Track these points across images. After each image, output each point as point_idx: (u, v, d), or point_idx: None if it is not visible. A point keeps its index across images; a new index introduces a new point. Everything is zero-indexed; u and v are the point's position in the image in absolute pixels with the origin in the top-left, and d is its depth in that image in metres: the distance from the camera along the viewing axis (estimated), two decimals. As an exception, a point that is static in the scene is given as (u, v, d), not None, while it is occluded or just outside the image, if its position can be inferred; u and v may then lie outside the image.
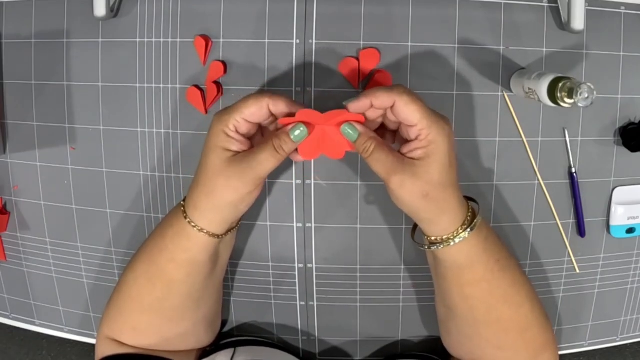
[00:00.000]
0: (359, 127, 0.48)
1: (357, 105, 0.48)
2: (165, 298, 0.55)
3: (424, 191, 0.46)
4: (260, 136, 0.53)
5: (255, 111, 0.47)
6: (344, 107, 0.48)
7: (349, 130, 0.48)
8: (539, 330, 0.54)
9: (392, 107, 0.47)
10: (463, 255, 0.50)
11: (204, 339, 0.62)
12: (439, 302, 0.58)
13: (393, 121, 0.50)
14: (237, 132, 0.48)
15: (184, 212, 0.51)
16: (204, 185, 0.49)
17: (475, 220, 0.49)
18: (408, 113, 0.46)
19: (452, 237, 0.48)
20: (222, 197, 0.49)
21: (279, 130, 0.49)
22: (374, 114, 0.49)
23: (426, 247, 0.51)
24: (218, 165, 0.48)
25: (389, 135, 0.53)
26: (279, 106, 0.48)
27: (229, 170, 0.48)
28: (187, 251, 0.52)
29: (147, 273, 0.54)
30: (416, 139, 0.47)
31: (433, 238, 0.50)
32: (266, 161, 0.48)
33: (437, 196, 0.47)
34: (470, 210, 0.50)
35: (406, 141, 0.49)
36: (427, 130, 0.46)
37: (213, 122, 0.49)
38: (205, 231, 0.51)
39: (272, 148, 0.48)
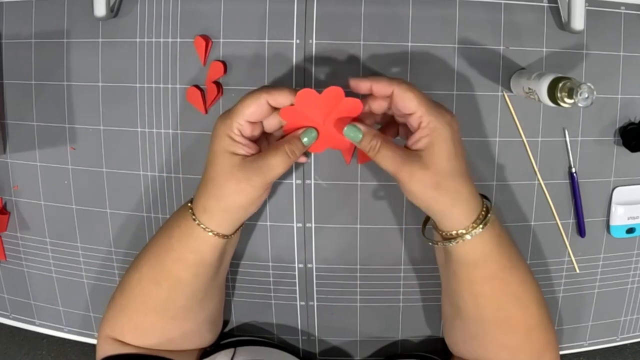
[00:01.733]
0: (362, 127, 0.48)
1: (357, 84, 0.48)
2: (171, 298, 0.55)
3: (434, 181, 0.46)
4: (265, 142, 0.53)
5: (255, 109, 0.47)
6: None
7: (351, 134, 0.48)
8: (544, 330, 0.54)
9: (392, 97, 0.47)
10: (477, 252, 0.49)
11: (206, 338, 0.62)
12: (445, 299, 0.58)
13: (399, 115, 0.50)
14: (241, 135, 0.48)
15: (193, 214, 0.51)
16: (213, 189, 0.49)
17: (489, 215, 0.49)
18: (406, 100, 0.46)
19: (466, 232, 0.48)
20: (232, 201, 0.49)
21: (287, 135, 0.50)
22: (378, 107, 0.49)
23: (438, 244, 0.51)
24: (227, 170, 0.48)
25: (392, 129, 0.53)
26: (278, 99, 0.47)
27: (238, 174, 0.48)
28: (196, 252, 0.52)
29: (152, 274, 0.54)
30: (418, 127, 0.47)
31: (446, 233, 0.49)
32: (278, 166, 0.48)
33: (447, 186, 0.46)
34: (484, 205, 0.50)
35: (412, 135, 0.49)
36: (427, 117, 0.46)
37: (216, 126, 0.49)
38: (214, 232, 0.51)
39: (284, 153, 0.48)
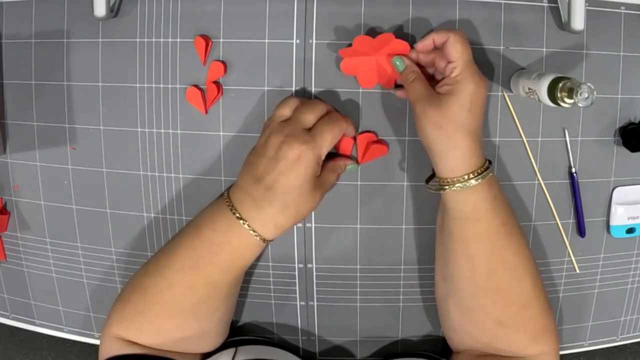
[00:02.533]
0: (406, 60, 0.55)
1: (424, 44, 0.54)
2: (204, 300, 0.55)
3: (438, 121, 0.50)
4: None
5: (338, 135, 0.55)
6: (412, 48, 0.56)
7: (398, 62, 0.55)
8: (540, 312, 0.55)
9: (444, 43, 0.52)
10: (469, 204, 0.52)
11: (220, 338, 0.62)
12: (439, 276, 0.59)
13: (440, 71, 0.55)
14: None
15: (254, 231, 0.53)
16: (295, 209, 0.53)
17: (486, 172, 0.51)
18: (452, 49, 0.51)
19: (460, 181, 0.51)
20: (305, 215, 0.55)
21: (339, 158, 0.60)
22: (424, 58, 0.56)
23: (434, 190, 0.54)
24: (310, 190, 0.53)
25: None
26: (349, 132, 0.59)
27: (315, 192, 0.54)
28: (245, 259, 0.55)
29: (187, 281, 0.54)
30: (449, 75, 0.51)
31: (443, 179, 0.52)
32: (334, 180, 0.59)
33: (448, 129, 0.50)
34: (486, 164, 0.52)
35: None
36: (459, 70, 0.51)
37: (304, 155, 0.52)
38: (267, 240, 0.54)
39: (337, 174, 0.59)
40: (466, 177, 0.51)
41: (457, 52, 0.51)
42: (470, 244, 0.53)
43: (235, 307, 0.63)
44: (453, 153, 0.51)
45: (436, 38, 0.53)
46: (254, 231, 0.53)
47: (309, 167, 0.52)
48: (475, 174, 0.51)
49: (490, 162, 0.53)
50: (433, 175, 0.58)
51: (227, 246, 0.54)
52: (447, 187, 0.51)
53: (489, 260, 0.53)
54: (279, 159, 0.51)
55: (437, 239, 0.59)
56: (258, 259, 0.65)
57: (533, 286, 0.54)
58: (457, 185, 0.51)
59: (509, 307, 0.54)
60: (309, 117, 0.54)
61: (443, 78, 0.53)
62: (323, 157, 0.54)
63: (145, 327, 0.57)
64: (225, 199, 0.55)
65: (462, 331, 0.57)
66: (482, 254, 0.53)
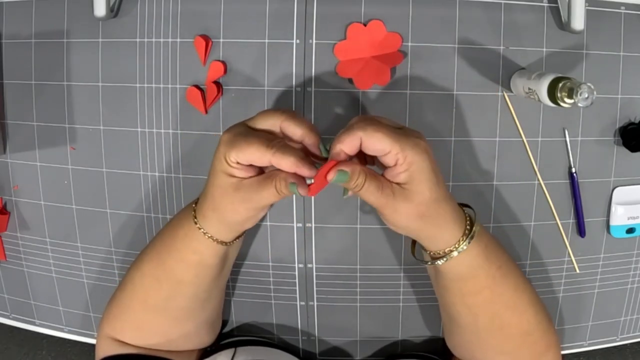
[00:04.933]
0: (346, 168, 0.45)
1: (335, 153, 0.46)
2: (172, 298, 0.55)
3: (419, 212, 0.46)
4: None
5: (255, 160, 0.46)
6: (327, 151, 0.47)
7: (340, 177, 0.46)
8: (542, 333, 0.54)
9: (362, 143, 0.45)
10: (465, 266, 0.49)
11: (206, 339, 0.62)
12: (441, 308, 0.58)
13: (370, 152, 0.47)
14: (238, 163, 0.47)
15: (195, 217, 0.51)
16: (211, 200, 0.49)
17: (473, 229, 0.49)
18: (376, 143, 0.44)
19: (453, 250, 0.48)
20: (227, 216, 0.49)
21: (281, 173, 0.47)
22: (349, 150, 0.46)
23: (429, 263, 0.51)
24: (223, 188, 0.48)
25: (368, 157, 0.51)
26: (282, 164, 0.45)
27: (234, 195, 0.48)
28: (197, 253, 0.52)
29: (154, 272, 0.55)
30: (396, 164, 0.45)
31: (434, 253, 0.50)
32: (268, 198, 0.47)
33: (432, 213, 0.46)
34: (467, 218, 0.50)
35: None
36: (403, 153, 0.44)
37: (220, 145, 0.47)
38: (213, 238, 0.51)
39: (274, 190, 0.47)
40: (459, 242, 0.48)
41: (383, 142, 0.44)
42: (469, 297, 0.51)
43: (218, 311, 0.62)
44: (443, 230, 0.48)
45: (346, 148, 0.45)
46: (195, 217, 0.51)
47: (216, 160, 0.48)
48: (465, 236, 0.48)
49: (467, 206, 0.51)
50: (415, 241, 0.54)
51: (180, 231, 0.53)
52: (441, 259, 0.49)
53: (489, 306, 0.52)
54: None
55: (432, 284, 0.57)
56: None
57: (535, 314, 0.53)
58: (452, 254, 0.48)
59: (512, 340, 0.53)
60: (257, 121, 0.48)
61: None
62: (232, 160, 0.46)
63: (127, 324, 0.57)
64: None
65: (465, 353, 0.58)
66: (482, 303, 0.51)
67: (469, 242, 0.48)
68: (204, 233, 0.51)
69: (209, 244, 0.52)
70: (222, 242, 0.52)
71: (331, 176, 0.46)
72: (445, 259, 0.49)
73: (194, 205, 0.53)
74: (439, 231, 0.48)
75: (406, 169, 0.45)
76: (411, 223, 0.47)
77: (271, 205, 0.61)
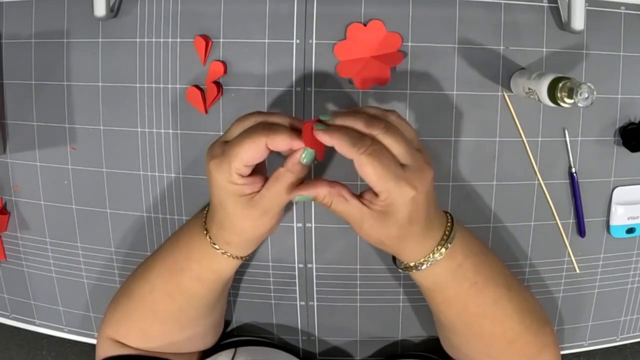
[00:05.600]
0: (308, 193, 0.46)
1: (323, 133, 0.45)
2: (184, 310, 0.55)
3: (379, 241, 0.47)
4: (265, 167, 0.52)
5: (254, 154, 0.44)
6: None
7: (302, 199, 0.47)
8: (531, 337, 0.53)
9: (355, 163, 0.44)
10: (429, 281, 0.50)
11: (209, 341, 0.63)
12: None
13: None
14: (241, 177, 0.46)
15: (214, 243, 0.51)
16: (232, 228, 0.49)
17: (434, 256, 0.48)
18: (363, 174, 0.43)
19: (419, 264, 0.48)
20: (253, 233, 0.49)
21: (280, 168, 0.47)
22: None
23: (400, 268, 0.51)
24: (239, 212, 0.47)
25: None
26: (277, 143, 0.44)
27: (252, 213, 0.47)
28: (217, 272, 0.53)
29: (166, 288, 0.54)
30: (377, 195, 0.45)
31: (405, 263, 0.50)
32: (282, 194, 0.47)
33: (392, 244, 0.47)
34: (445, 234, 0.48)
35: None
36: (386, 194, 0.44)
37: (211, 173, 0.46)
38: (238, 257, 0.52)
39: (286, 177, 0.46)
40: (429, 256, 0.48)
41: (369, 177, 0.43)
42: (441, 306, 0.52)
43: (224, 312, 0.63)
44: (407, 251, 0.48)
45: (339, 150, 0.44)
46: (214, 244, 0.51)
47: (217, 189, 0.47)
48: (433, 253, 0.48)
49: (451, 224, 0.50)
50: None
51: (196, 254, 0.52)
52: (414, 269, 0.49)
53: (462, 317, 0.51)
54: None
55: None
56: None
57: (520, 321, 0.52)
58: (422, 267, 0.48)
59: (496, 344, 0.53)
60: (233, 130, 0.47)
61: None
62: (239, 171, 0.45)
63: (132, 330, 0.57)
64: (206, 209, 0.54)
65: (459, 353, 0.58)
66: (456, 314, 0.51)
67: (440, 255, 0.48)
68: (229, 256, 0.51)
69: (231, 262, 0.52)
70: (244, 258, 0.53)
71: (294, 197, 0.47)
72: (411, 270, 0.49)
73: (206, 233, 0.51)
74: (401, 251, 0.48)
75: (383, 206, 0.45)
76: (374, 243, 0.48)
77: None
